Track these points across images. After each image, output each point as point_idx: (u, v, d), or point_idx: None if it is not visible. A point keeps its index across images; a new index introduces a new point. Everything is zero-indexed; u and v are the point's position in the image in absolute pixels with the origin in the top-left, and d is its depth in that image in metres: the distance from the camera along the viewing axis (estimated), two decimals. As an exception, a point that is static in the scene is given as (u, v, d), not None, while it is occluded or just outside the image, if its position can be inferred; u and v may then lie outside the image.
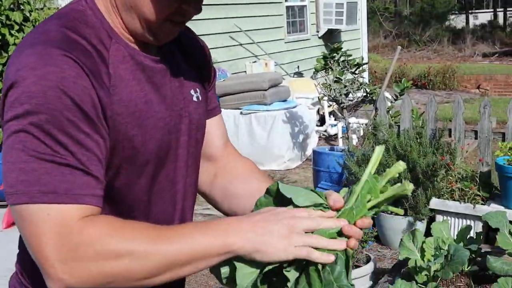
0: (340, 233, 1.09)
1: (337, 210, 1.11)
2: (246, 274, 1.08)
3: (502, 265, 3.06)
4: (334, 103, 6.15)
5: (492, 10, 34.46)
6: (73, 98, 1.03)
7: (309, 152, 7.29)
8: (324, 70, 6.15)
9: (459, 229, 3.57)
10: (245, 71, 8.89)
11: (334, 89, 5.87)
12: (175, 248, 1.04)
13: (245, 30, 9.03)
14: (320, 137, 8.40)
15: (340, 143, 7.40)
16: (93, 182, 1.05)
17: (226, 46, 8.68)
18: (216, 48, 8.33)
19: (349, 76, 6.14)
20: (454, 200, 4.43)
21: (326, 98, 6.35)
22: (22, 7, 5.60)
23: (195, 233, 1.06)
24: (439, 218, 4.43)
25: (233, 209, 1.36)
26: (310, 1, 11.36)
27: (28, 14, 5.64)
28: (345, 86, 5.88)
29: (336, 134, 8.14)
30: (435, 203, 4.45)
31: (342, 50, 6.20)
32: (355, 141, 6.21)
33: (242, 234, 1.07)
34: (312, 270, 1.07)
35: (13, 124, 1.02)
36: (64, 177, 1.02)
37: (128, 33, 1.17)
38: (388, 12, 27.17)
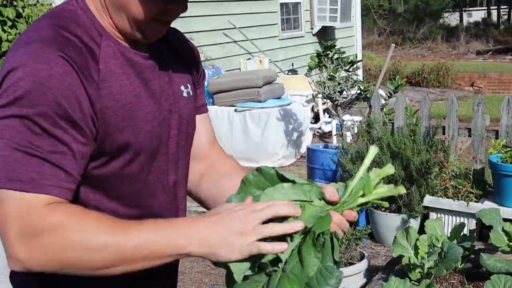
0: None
1: (332, 203, 1.16)
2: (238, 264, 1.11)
3: (495, 262, 3.07)
4: (328, 101, 6.14)
5: (485, 7, 34.55)
6: (56, 95, 1.09)
7: (303, 149, 7.29)
8: (318, 68, 6.14)
9: (453, 226, 3.58)
10: (239, 68, 8.88)
11: (328, 87, 5.86)
12: (131, 244, 1.09)
13: (239, 27, 9.02)
14: (314, 134, 8.41)
15: (334, 141, 7.40)
16: (62, 175, 1.11)
17: (220, 43, 8.66)
18: (210, 45, 8.31)
19: (343, 73, 6.14)
20: (448, 197, 4.44)
21: (320, 95, 6.35)
22: (15, 3, 5.58)
23: (153, 232, 1.10)
24: (432, 215, 4.44)
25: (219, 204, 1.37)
26: (304, -2, 11.36)
27: (21, 10, 5.61)
28: (339, 84, 5.88)
29: (330, 132, 8.14)
30: (428, 200, 4.46)
31: (336, 47, 6.20)
32: (349, 138, 6.21)
33: (195, 237, 1.10)
34: (304, 249, 1.10)
35: None
36: (32, 167, 1.08)
37: (118, 32, 1.24)
38: (382, 10, 27.18)
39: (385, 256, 4.42)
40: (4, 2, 5.47)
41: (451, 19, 31.16)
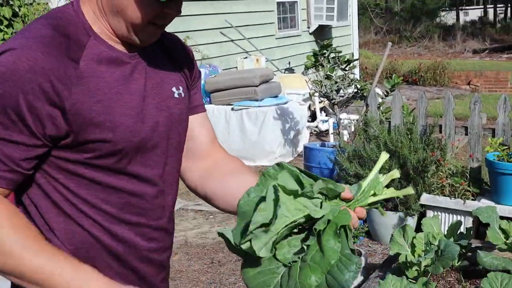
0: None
1: (346, 200, 1.24)
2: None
3: (492, 260, 3.07)
4: (325, 99, 6.15)
5: (482, 6, 34.57)
6: (12, 89, 1.16)
7: (300, 148, 7.29)
8: (315, 67, 6.14)
9: (450, 224, 3.58)
10: (236, 67, 8.87)
11: (325, 85, 5.87)
12: (35, 266, 1.15)
13: (236, 26, 9.01)
14: (311, 133, 8.41)
15: (331, 139, 7.41)
16: (1, 164, 1.19)
17: (217, 42, 8.66)
18: (207, 44, 8.31)
19: (340, 72, 6.15)
20: (445, 195, 4.45)
21: (317, 94, 6.35)
22: (11, 2, 5.56)
23: (57, 269, 1.16)
24: (429, 213, 4.45)
25: (230, 204, 1.40)
26: (301, -3, 11.35)
27: (17, 10, 5.60)
28: (336, 82, 5.88)
29: (327, 130, 8.15)
30: (425, 198, 4.47)
31: (332, 46, 6.20)
32: (346, 137, 6.21)
33: None
34: (324, 238, 1.16)
35: None
36: None
37: (115, 35, 1.30)
38: (379, 8, 27.19)
39: (382, 254, 4.42)
40: (0, 1, 5.46)
41: (448, 17, 31.18)
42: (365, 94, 5.85)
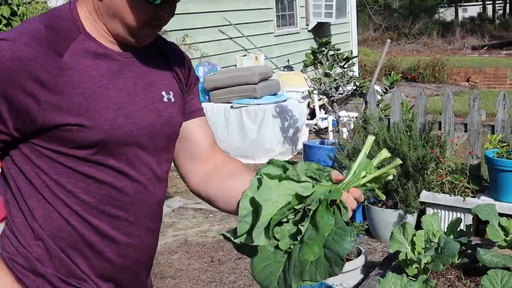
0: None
1: (338, 182, 1.28)
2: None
3: (491, 257, 3.08)
4: (324, 97, 6.14)
5: (481, 2, 34.56)
6: None
7: (299, 145, 7.29)
8: (313, 65, 6.14)
9: (449, 221, 3.59)
10: (235, 65, 8.86)
11: (324, 83, 5.86)
12: None
13: (235, 24, 9.00)
14: (310, 130, 8.41)
15: (331, 137, 7.41)
16: None
17: (216, 40, 8.65)
18: (205, 42, 8.30)
19: (339, 69, 6.14)
20: (444, 193, 4.45)
21: (316, 91, 6.35)
22: (9, 1, 5.55)
23: None
24: (429, 211, 4.45)
25: (231, 205, 1.44)
26: (300, -6, 11.34)
27: (15, 8, 5.59)
28: (335, 80, 5.88)
29: (326, 128, 8.14)
30: (425, 196, 4.47)
31: (331, 44, 6.19)
32: (345, 134, 6.21)
33: None
34: (318, 215, 1.20)
35: None
36: None
37: (111, 36, 1.35)
38: (378, 5, 27.16)
39: (382, 252, 4.42)
40: (-1, 0, 5.45)
41: (447, 14, 31.18)
42: (364, 91, 5.84)
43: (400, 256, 3.25)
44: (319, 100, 8.43)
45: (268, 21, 10.24)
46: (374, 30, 24.88)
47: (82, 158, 1.30)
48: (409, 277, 3.11)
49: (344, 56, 6.15)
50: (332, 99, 5.93)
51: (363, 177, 1.29)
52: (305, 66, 6.39)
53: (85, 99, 1.27)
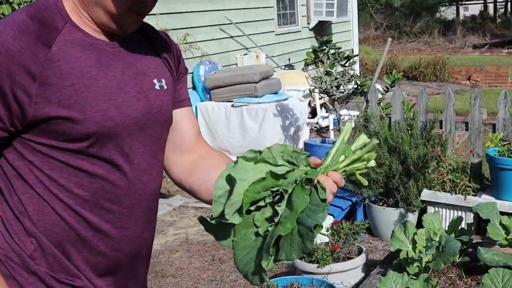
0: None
1: (316, 166, 1.27)
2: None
3: (493, 256, 3.07)
4: (325, 95, 6.14)
5: (482, 1, 34.51)
6: None
7: (300, 144, 7.28)
8: (314, 64, 6.13)
9: (450, 220, 3.58)
10: (236, 64, 8.86)
11: (325, 82, 5.86)
12: None
13: (236, 23, 8.99)
14: (311, 129, 8.40)
15: (332, 135, 7.40)
16: None
17: (217, 39, 8.64)
18: (206, 40, 8.29)
19: (340, 68, 6.14)
20: (445, 191, 4.45)
21: (317, 90, 6.35)
22: (10, 0, 5.56)
23: None
24: (430, 209, 4.45)
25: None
26: (301, -7, 11.32)
27: (16, 7, 5.59)
28: (336, 79, 5.88)
29: (327, 126, 8.14)
30: (426, 194, 4.47)
31: (332, 42, 6.19)
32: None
33: None
34: (294, 195, 1.19)
35: None
36: None
37: (95, 25, 1.33)
38: (379, 4, 27.14)
39: (383, 251, 4.42)
40: (0, -1, 5.45)
41: (448, 13, 31.14)
42: (365, 90, 5.84)
43: (401, 254, 3.25)
44: (320, 98, 8.42)
45: (269, 19, 10.23)
46: (375, 29, 24.85)
47: (75, 151, 1.29)
48: (410, 276, 3.10)
49: (345, 55, 6.15)
50: (333, 97, 5.93)
51: (342, 161, 1.29)
52: (306, 64, 6.38)
53: (75, 91, 1.26)
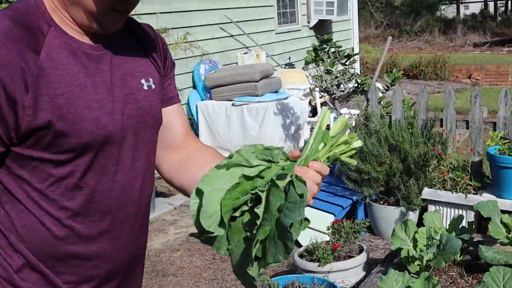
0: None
1: (295, 159, 1.24)
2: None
3: (494, 254, 3.07)
4: (326, 94, 6.14)
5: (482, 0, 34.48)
6: None
7: (301, 143, 7.28)
8: (315, 62, 6.13)
9: (451, 218, 3.58)
10: (237, 63, 8.85)
11: (325, 80, 5.85)
12: None
13: (236, 21, 8.99)
14: (312, 128, 8.40)
15: (332, 134, 7.38)
16: None
17: (217, 38, 8.63)
18: (206, 39, 8.29)
19: (340, 67, 6.13)
20: (446, 190, 4.45)
21: (317, 89, 6.34)
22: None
23: None
24: (431, 208, 4.45)
25: None
26: (301, -8, 11.31)
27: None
28: (336, 77, 5.87)
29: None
30: (427, 193, 4.47)
31: (333, 41, 6.19)
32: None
33: None
34: (270, 196, 1.15)
35: None
36: None
37: (76, 25, 1.27)
38: (379, 2, 27.11)
39: (384, 249, 4.42)
40: (0, -2, 5.45)
41: (448, 11, 31.10)
42: (365, 88, 5.83)
43: (402, 253, 3.25)
44: (320, 97, 8.42)
45: (269, 18, 10.23)
46: (375, 28, 24.83)
47: (65, 162, 1.24)
48: (411, 274, 3.10)
49: (346, 54, 6.15)
50: (333, 96, 5.92)
51: (322, 149, 1.26)
52: (307, 63, 6.38)
53: (66, 100, 1.21)
